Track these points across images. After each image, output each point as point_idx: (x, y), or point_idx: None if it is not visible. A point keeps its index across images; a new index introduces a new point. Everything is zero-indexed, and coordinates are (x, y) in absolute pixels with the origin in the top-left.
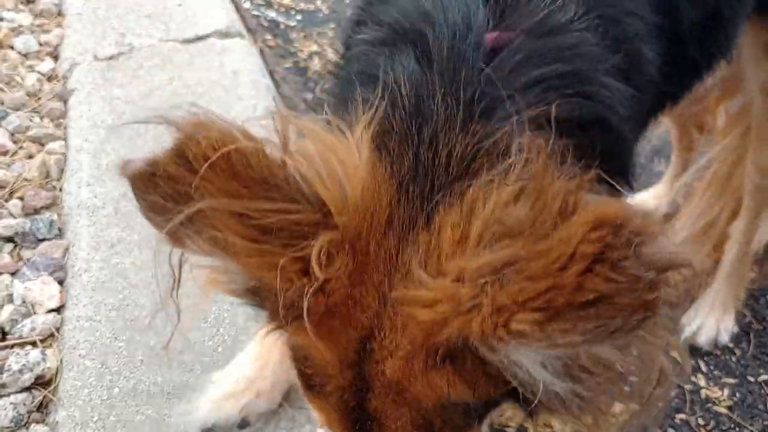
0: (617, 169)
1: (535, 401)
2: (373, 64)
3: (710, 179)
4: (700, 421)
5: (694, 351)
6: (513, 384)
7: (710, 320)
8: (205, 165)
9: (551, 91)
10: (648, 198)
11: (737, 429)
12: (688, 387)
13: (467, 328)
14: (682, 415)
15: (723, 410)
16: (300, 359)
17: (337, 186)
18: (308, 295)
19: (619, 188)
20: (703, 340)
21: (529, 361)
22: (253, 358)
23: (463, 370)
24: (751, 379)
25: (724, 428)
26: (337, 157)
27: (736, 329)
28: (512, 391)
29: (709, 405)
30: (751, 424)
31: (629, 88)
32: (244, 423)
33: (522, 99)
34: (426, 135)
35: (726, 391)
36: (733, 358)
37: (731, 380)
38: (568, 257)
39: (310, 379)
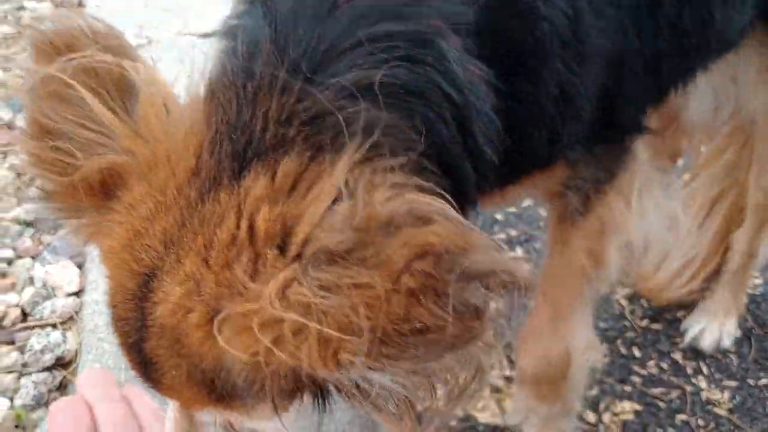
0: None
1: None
2: (235, 15)
3: (699, 208)
4: (700, 423)
5: (697, 353)
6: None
7: (713, 324)
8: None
9: (377, 53)
10: None
11: (737, 431)
12: (689, 389)
13: (294, 359)
14: (682, 416)
15: (723, 413)
16: (106, 292)
17: (149, 115)
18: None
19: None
20: (706, 343)
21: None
22: None
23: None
24: (752, 382)
25: (723, 430)
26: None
27: (738, 333)
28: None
29: (710, 407)
30: (751, 427)
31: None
32: None
33: (351, 59)
34: (249, 91)
35: (726, 394)
36: (734, 362)
37: (732, 383)
38: (392, 288)
39: (109, 310)
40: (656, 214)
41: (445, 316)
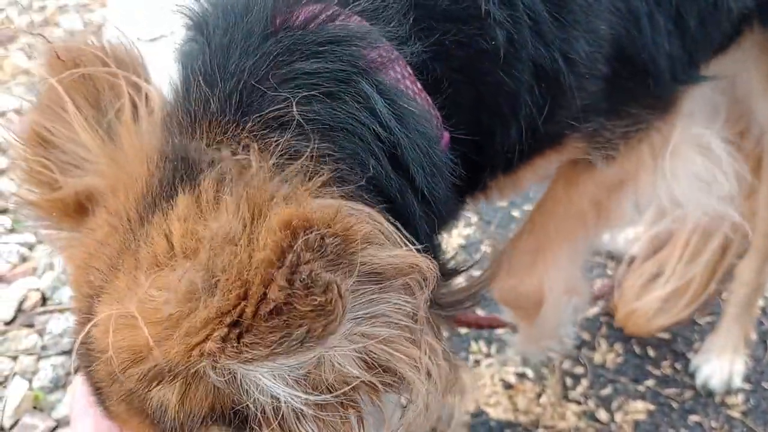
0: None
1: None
2: (181, 43)
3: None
4: (713, 424)
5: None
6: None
7: (722, 363)
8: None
9: (303, 89)
10: (623, 236)
11: None
12: (702, 392)
13: (168, 355)
14: (696, 417)
15: (737, 415)
16: None
17: (126, 138)
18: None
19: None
20: (716, 384)
21: (256, 373)
22: None
23: (181, 388)
24: (766, 386)
25: None
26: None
27: (745, 371)
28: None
29: (723, 409)
30: (764, 430)
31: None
32: None
33: (274, 95)
34: (185, 121)
35: (740, 397)
36: (749, 365)
37: (746, 386)
38: (254, 267)
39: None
40: (691, 179)
41: (296, 288)
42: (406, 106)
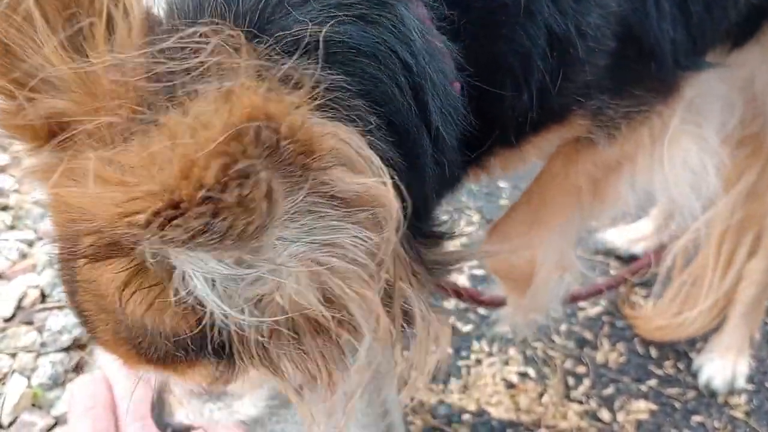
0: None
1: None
2: None
3: (720, 237)
4: (716, 425)
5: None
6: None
7: (726, 363)
8: None
9: (334, 9)
10: (625, 235)
11: None
12: (705, 392)
13: (102, 216)
14: (698, 418)
15: (740, 415)
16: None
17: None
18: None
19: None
20: (719, 384)
21: (196, 271)
22: None
23: (137, 278)
24: None
25: None
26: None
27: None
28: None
29: (726, 409)
30: (767, 431)
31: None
32: None
33: (301, 13)
34: (193, 37)
35: (744, 397)
36: (753, 365)
37: (749, 386)
38: (202, 148)
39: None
40: (683, 168)
41: (230, 178)
42: (433, 41)
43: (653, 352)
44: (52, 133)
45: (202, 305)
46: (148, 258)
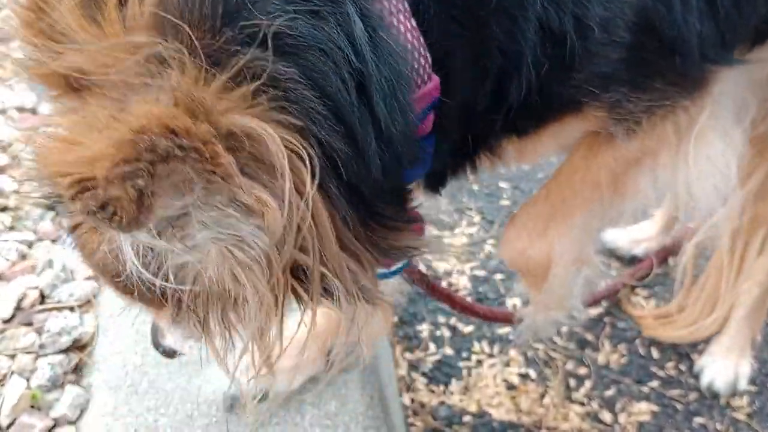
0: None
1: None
2: None
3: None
4: (718, 426)
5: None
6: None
7: (728, 364)
8: None
9: (291, 5)
10: (627, 236)
11: None
12: (707, 393)
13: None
14: (700, 419)
15: (742, 417)
16: None
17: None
18: None
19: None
20: (720, 385)
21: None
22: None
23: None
24: None
25: None
26: None
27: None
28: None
29: (728, 411)
30: None
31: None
32: (262, 397)
33: (261, 6)
34: (180, 18)
35: (746, 399)
36: (755, 367)
37: (752, 388)
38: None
39: None
40: (708, 164)
41: (110, 177)
42: (384, 37)
43: (655, 354)
44: (70, 85)
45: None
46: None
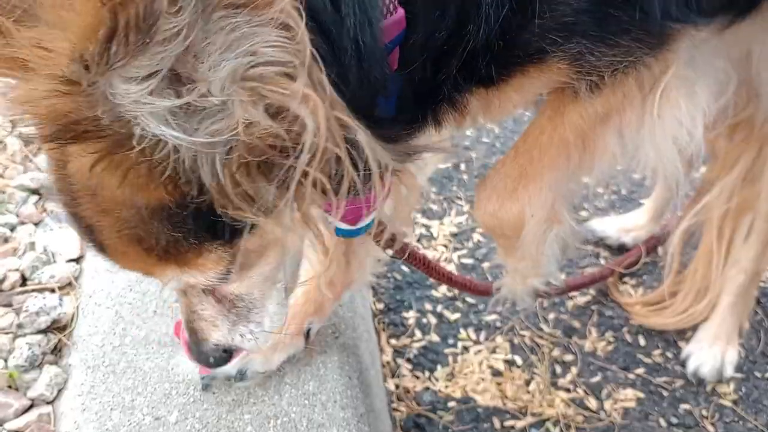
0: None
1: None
2: None
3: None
4: (704, 413)
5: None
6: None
7: (714, 351)
8: None
9: None
10: (616, 225)
11: (741, 422)
12: (694, 379)
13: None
14: (686, 406)
15: (728, 403)
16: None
17: None
18: None
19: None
20: (706, 372)
21: (142, 108)
22: None
23: (113, 155)
24: (758, 375)
25: (727, 420)
26: None
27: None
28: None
29: (715, 398)
30: (755, 419)
31: None
32: (240, 376)
33: None
34: None
35: (732, 386)
36: (742, 354)
37: (738, 375)
38: None
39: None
40: (672, 126)
41: None
42: None
43: (641, 341)
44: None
45: (171, 163)
46: (105, 114)
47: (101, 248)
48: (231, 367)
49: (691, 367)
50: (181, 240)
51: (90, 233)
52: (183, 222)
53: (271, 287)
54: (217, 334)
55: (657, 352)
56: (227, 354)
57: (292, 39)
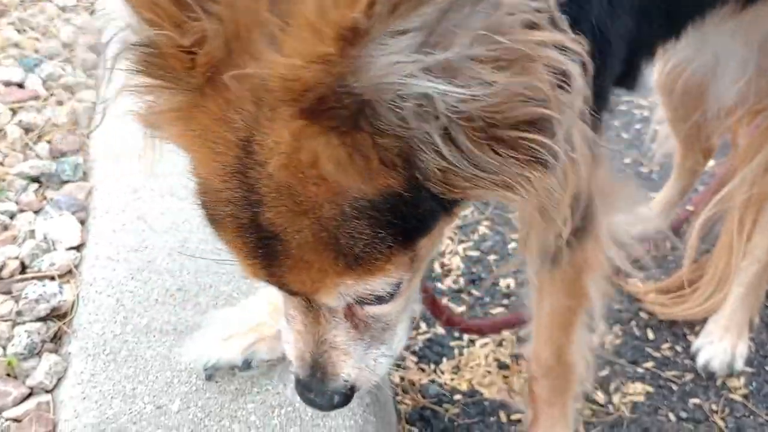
0: None
1: (434, 159)
2: None
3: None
4: (714, 407)
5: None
6: (403, 135)
7: (725, 345)
8: None
9: None
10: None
11: (751, 417)
12: (704, 373)
13: (319, 59)
14: (695, 400)
15: (738, 398)
16: (198, 191)
17: None
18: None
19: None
20: (717, 365)
21: (402, 70)
22: (263, 303)
23: (346, 137)
24: None
25: (738, 415)
26: None
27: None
28: (415, 186)
29: (725, 392)
30: (766, 413)
31: None
32: (246, 365)
33: None
34: None
35: (743, 380)
36: (752, 348)
37: (749, 369)
38: None
39: (207, 208)
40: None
41: None
42: None
43: (650, 335)
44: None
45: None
46: (358, 87)
47: (273, 258)
48: (236, 356)
49: (701, 360)
50: (378, 241)
51: (272, 242)
52: (392, 216)
53: (410, 304)
54: (349, 363)
55: (666, 345)
56: (351, 393)
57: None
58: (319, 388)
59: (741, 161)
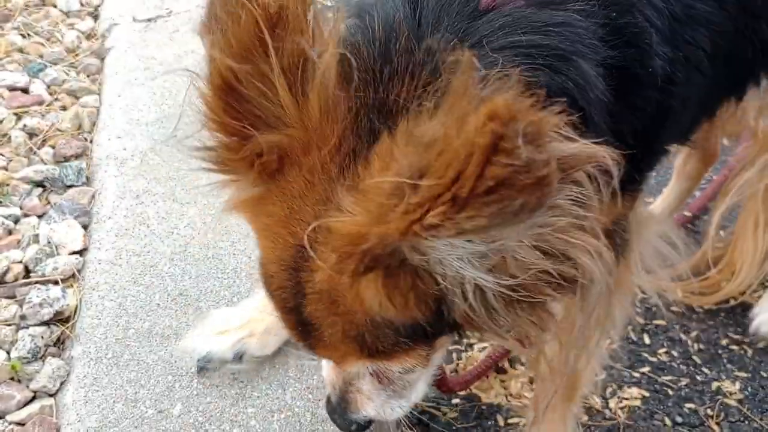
0: None
1: (463, 308)
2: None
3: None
4: (709, 412)
5: (709, 342)
6: (441, 286)
7: None
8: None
9: (521, 57)
10: None
11: (746, 422)
12: (699, 378)
13: (386, 233)
14: (691, 405)
15: (733, 403)
16: (260, 264)
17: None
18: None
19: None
20: (765, 330)
21: (452, 256)
22: (256, 303)
23: (389, 281)
24: (764, 374)
25: (733, 420)
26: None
27: None
28: (440, 319)
29: (720, 397)
30: (761, 419)
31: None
32: (236, 358)
33: (489, 59)
34: (385, 75)
35: (738, 385)
36: (749, 353)
37: (744, 374)
38: (467, 152)
39: (264, 280)
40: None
41: (515, 165)
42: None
43: (646, 339)
44: (266, 168)
45: (446, 287)
46: (414, 255)
47: (308, 336)
48: (227, 350)
49: (753, 325)
50: (400, 342)
51: (308, 330)
52: (414, 331)
53: (430, 370)
54: (370, 407)
55: (662, 350)
56: (368, 425)
57: (586, 195)
58: (343, 416)
59: (758, 150)
